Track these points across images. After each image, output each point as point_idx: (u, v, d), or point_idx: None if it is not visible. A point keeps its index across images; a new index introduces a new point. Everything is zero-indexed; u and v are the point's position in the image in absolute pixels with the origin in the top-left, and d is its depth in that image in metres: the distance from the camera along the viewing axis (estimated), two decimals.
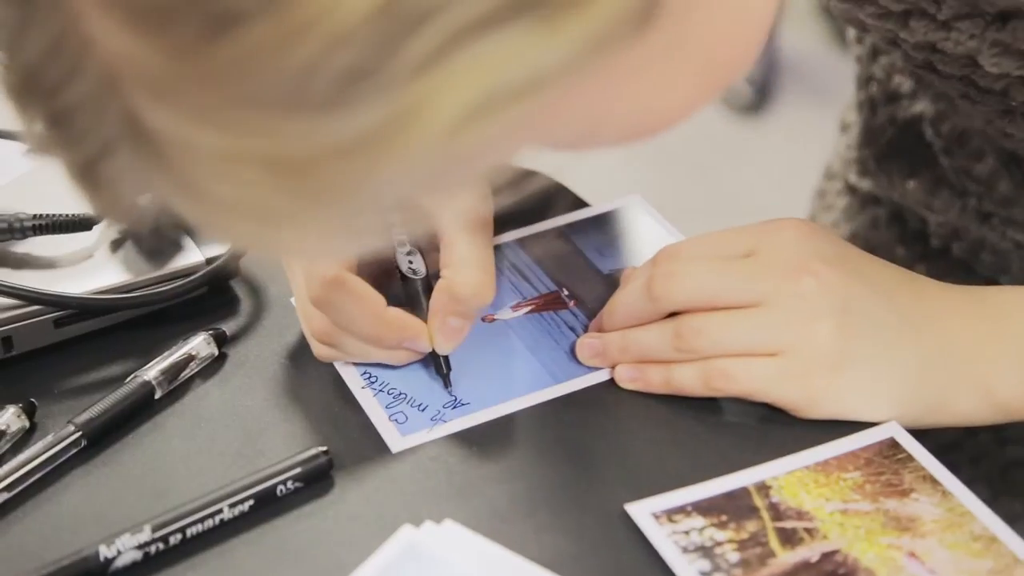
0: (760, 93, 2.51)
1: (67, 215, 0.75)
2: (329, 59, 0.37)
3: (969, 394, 0.68)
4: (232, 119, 0.39)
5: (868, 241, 0.99)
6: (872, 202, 0.99)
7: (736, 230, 0.70)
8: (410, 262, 0.69)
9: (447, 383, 0.71)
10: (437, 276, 0.70)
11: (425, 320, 0.69)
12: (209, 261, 0.75)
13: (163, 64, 0.39)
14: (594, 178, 0.83)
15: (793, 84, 2.55)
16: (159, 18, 0.38)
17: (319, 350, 0.71)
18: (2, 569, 0.62)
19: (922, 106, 0.91)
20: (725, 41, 0.48)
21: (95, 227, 0.76)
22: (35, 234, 0.75)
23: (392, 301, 0.69)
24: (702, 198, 2.32)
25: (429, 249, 0.70)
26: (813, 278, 0.67)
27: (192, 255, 0.76)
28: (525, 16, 0.38)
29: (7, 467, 0.65)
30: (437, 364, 0.71)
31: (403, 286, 0.70)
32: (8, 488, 0.65)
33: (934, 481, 0.65)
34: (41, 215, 0.75)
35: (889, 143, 0.95)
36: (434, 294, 0.69)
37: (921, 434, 0.69)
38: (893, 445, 0.67)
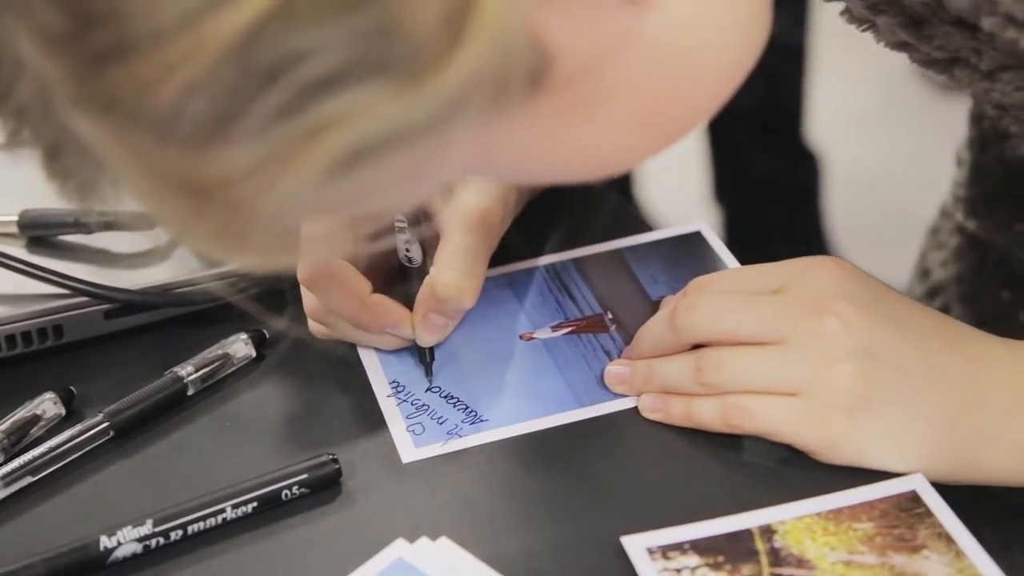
0: None
1: (133, 212, 0.78)
2: (188, 104, 0.40)
3: (1002, 452, 0.65)
4: (133, 140, 0.42)
5: (973, 283, 0.95)
6: (978, 244, 0.95)
7: (768, 266, 0.68)
8: (407, 250, 0.70)
9: (428, 372, 0.72)
10: None
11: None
12: None
13: (71, 84, 0.41)
14: None
15: None
16: (57, 45, 0.41)
17: (313, 327, 0.73)
18: (16, 551, 0.64)
19: None
20: (671, 99, 0.49)
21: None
22: (99, 230, 0.78)
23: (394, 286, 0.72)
24: (892, 173, 2.29)
25: (432, 241, 0.71)
26: (837, 319, 0.65)
27: None
28: (379, 76, 0.40)
29: (33, 452, 0.68)
30: (421, 353, 0.72)
31: (401, 272, 0.71)
32: (32, 472, 0.68)
33: (949, 540, 0.62)
34: (108, 212, 0.78)
35: (998, 183, 0.91)
36: (421, 288, 0.70)
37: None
38: (914, 499, 0.64)
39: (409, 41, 0.40)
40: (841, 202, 2.20)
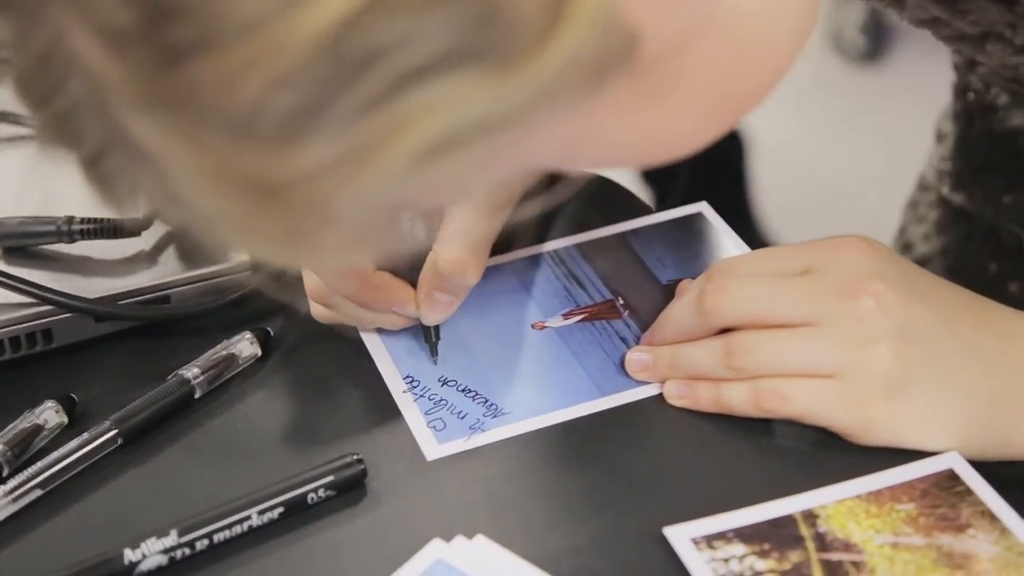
0: (875, 41, 2.42)
1: (116, 220, 0.74)
2: (272, 99, 0.37)
3: None
4: (201, 139, 0.39)
5: (960, 256, 0.95)
6: (965, 216, 0.95)
7: (795, 246, 0.68)
8: (410, 228, 0.68)
9: (433, 352, 0.71)
10: None
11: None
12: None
13: (135, 83, 0.39)
14: None
15: (911, 32, 2.47)
16: (123, 42, 0.38)
17: (315, 309, 0.71)
18: (31, 567, 0.61)
19: (1019, 119, 0.87)
20: (739, 77, 0.48)
21: (143, 233, 0.75)
22: (83, 238, 0.75)
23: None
24: (813, 148, 2.30)
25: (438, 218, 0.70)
26: (872, 299, 0.64)
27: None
28: (475, 63, 0.38)
29: (41, 463, 0.65)
30: (426, 333, 0.71)
31: (404, 251, 0.69)
32: (41, 485, 0.64)
33: (993, 517, 0.62)
34: (89, 219, 0.74)
35: (985, 156, 0.91)
36: (425, 265, 0.69)
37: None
38: (952, 477, 0.64)
39: (508, 27, 0.38)
40: (766, 178, 2.21)
